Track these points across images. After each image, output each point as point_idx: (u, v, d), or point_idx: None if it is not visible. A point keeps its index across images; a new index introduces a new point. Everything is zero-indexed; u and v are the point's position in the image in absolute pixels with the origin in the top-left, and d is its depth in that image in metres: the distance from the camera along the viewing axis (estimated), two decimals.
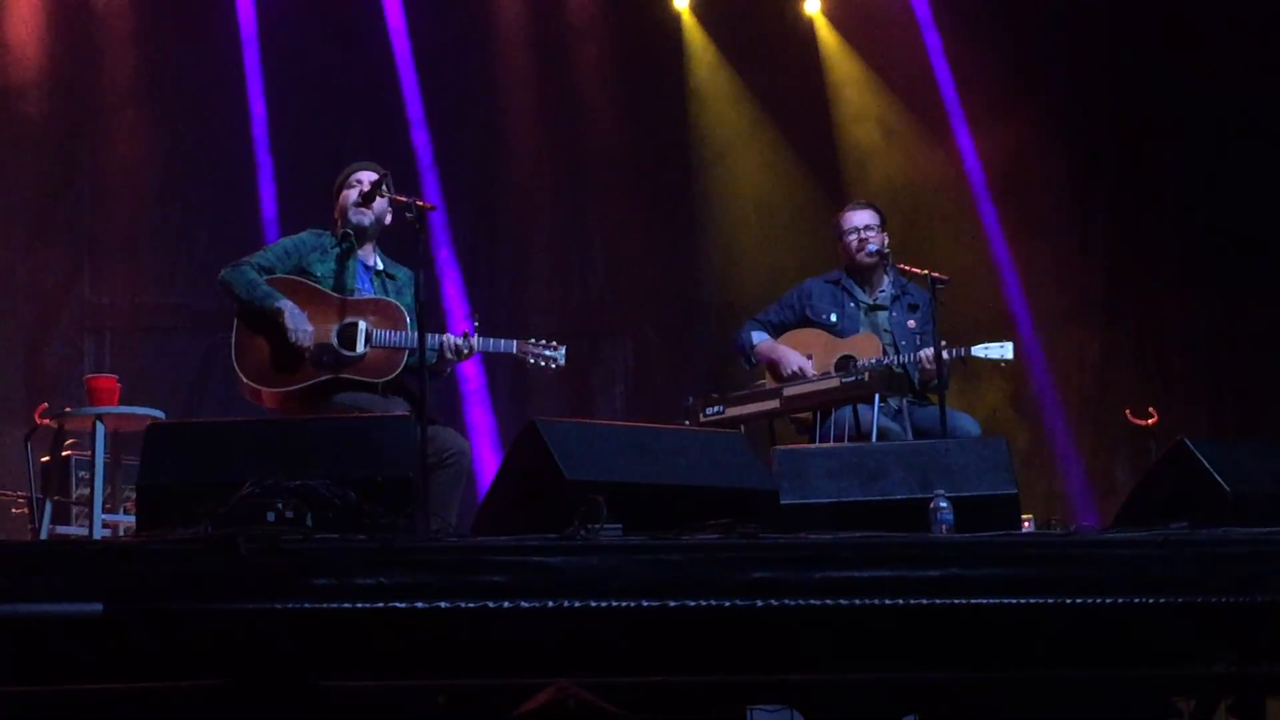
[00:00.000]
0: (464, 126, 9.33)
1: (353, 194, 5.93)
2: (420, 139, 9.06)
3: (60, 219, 8.68)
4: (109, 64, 8.74)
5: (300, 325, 5.67)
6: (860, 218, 6.70)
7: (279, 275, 5.83)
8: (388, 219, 6.00)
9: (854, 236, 6.65)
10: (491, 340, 5.87)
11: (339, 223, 6.01)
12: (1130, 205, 9.51)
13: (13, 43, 8.54)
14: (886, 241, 6.64)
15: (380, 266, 6.02)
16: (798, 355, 6.55)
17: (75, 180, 8.73)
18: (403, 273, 6.06)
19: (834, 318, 6.65)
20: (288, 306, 5.68)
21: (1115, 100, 9.49)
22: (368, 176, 5.92)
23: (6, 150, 8.49)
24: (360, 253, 5.97)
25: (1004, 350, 6.44)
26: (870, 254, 6.57)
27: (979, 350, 6.43)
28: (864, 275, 6.70)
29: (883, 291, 6.69)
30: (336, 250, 5.94)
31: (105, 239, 8.75)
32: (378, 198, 5.86)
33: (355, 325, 5.75)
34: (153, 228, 8.81)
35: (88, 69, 8.73)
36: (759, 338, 6.71)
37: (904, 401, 6.36)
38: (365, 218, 5.94)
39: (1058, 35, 9.44)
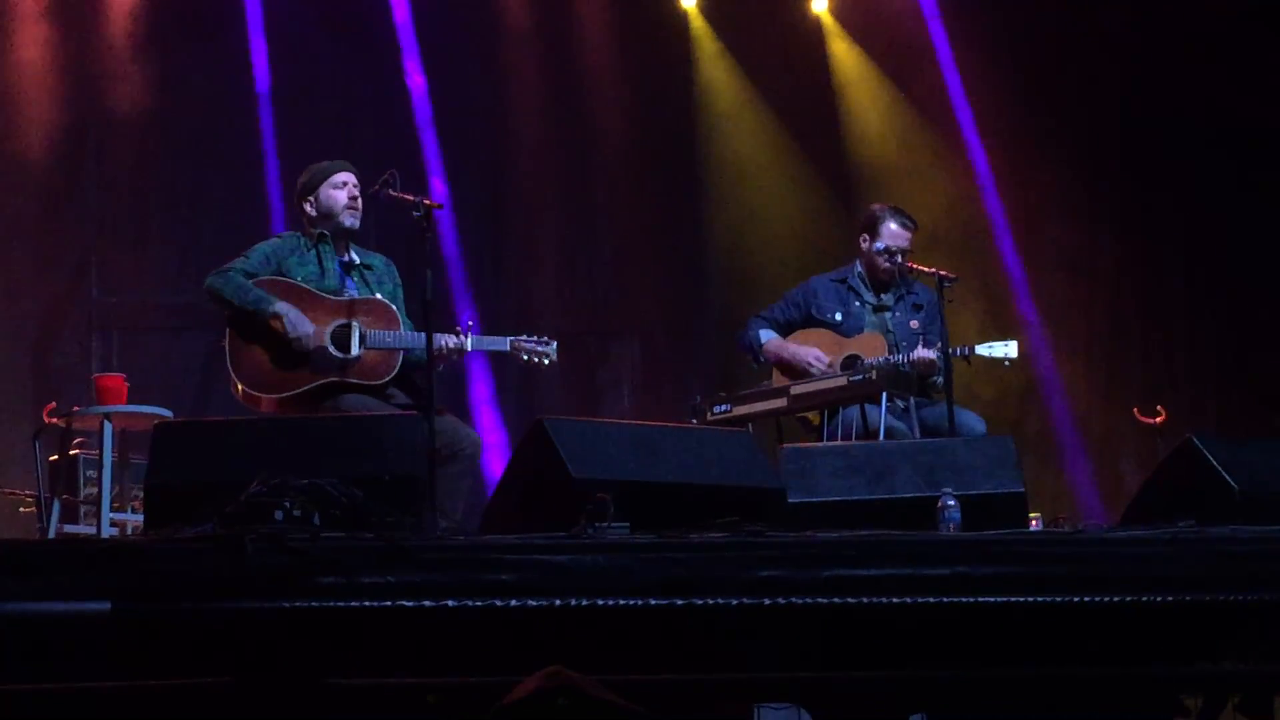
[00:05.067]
0: (471, 125, 9.32)
1: (341, 196, 5.83)
2: (427, 137, 9.06)
3: (68, 218, 8.68)
4: (117, 62, 8.74)
5: (301, 328, 5.57)
6: (904, 239, 6.62)
7: (262, 278, 5.70)
8: None
9: (887, 255, 6.59)
10: (485, 339, 5.83)
11: (314, 223, 5.88)
12: (1139, 200, 9.49)
13: (22, 42, 8.54)
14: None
15: (356, 260, 5.92)
16: (808, 349, 6.55)
17: (83, 179, 8.73)
18: (377, 260, 5.98)
19: (839, 316, 6.65)
20: (285, 309, 5.57)
21: (1124, 96, 9.46)
22: (351, 178, 5.85)
23: (15, 148, 8.49)
24: (335, 249, 5.87)
25: (1008, 349, 6.44)
26: (891, 268, 6.57)
27: (983, 349, 6.44)
28: (875, 278, 6.70)
29: (888, 293, 6.69)
30: (313, 251, 5.83)
31: (113, 237, 8.75)
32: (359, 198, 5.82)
33: (349, 327, 5.66)
34: (160, 226, 8.82)
35: (96, 67, 8.73)
36: (767, 336, 6.71)
37: (911, 400, 6.36)
38: (357, 219, 5.87)
39: (1066, 31, 9.41)
